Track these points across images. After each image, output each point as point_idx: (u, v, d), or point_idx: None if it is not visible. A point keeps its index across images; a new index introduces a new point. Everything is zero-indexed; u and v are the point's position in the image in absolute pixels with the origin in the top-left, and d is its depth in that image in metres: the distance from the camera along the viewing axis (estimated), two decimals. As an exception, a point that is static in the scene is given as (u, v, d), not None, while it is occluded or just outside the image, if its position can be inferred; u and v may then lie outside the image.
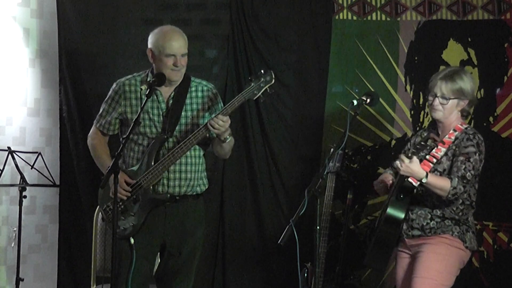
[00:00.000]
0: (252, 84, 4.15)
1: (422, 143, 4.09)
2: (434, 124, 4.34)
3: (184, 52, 4.30)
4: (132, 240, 4.21)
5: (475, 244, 4.20)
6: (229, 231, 5.90)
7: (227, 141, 4.24)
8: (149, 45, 4.32)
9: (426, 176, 3.96)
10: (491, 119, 5.42)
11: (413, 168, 3.95)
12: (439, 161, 4.13)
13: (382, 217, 4.15)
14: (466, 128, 4.19)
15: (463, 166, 4.05)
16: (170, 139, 4.29)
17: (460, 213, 4.14)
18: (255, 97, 4.16)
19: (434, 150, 4.12)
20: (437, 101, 4.17)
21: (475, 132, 4.18)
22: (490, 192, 5.31)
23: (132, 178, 4.24)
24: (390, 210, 4.08)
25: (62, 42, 5.99)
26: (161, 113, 4.32)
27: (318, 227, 3.75)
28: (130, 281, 4.20)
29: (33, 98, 6.03)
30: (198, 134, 4.18)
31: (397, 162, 3.98)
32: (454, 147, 4.13)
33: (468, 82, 4.19)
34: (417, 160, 3.96)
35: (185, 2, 5.98)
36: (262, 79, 4.14)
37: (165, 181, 4.28)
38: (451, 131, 4.16)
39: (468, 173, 4.04)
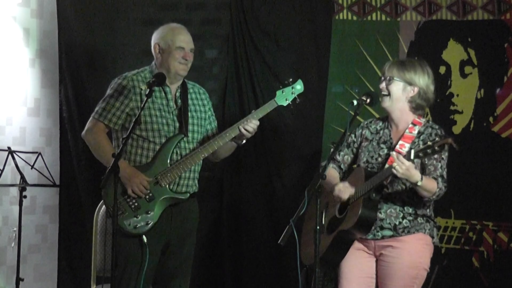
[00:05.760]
0: (284, 91, 4.32)
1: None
2: (386, 117, 4.16)
3: (192, 47, 4.37)
4: (145, 239, 4.19)
5: (437, 239, 4.09)
6: (229, 231, 5.89)
7: (242, 143, 4.38)
8: (156, 40, 4.33)
9: (421, 179, 3.79)
10: (491, 119, 5.41)
11: (411, 171, 3.74)
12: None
13: (351, 219, 3.95)
14: (428, 121, 4.04)
15: (439, 165, 3.90)
16: (185, 139, 4.30)
17: (428, 210, 4.02)
18: (286, 104, 4.34)
19: (398, 146, 3.95)
20: (383, 84, 4.02)
21: (439, 126, 4.03)
22: (490, 192, 5.31)
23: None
24: (364, 211, 3.88)
25: (62, 42, 6.00)
26: (172, 110, 4.32)
27: (318, 227, 3.72)
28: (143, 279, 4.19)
29: (33, 98, 6.04)
30: (227, 136, 4.28)
31: (395, 165, 3.73)
32: (420, 142, 3.94)
33: (420, 72, 4.00)
34: (412, 164, 3.75)
35: (185, 2, 5.99)
36: (293, 88, 4.31)
37: (180, 181, 4.28)
38: (410, 125, 4.00)
39: (444, 171, 3.91)
